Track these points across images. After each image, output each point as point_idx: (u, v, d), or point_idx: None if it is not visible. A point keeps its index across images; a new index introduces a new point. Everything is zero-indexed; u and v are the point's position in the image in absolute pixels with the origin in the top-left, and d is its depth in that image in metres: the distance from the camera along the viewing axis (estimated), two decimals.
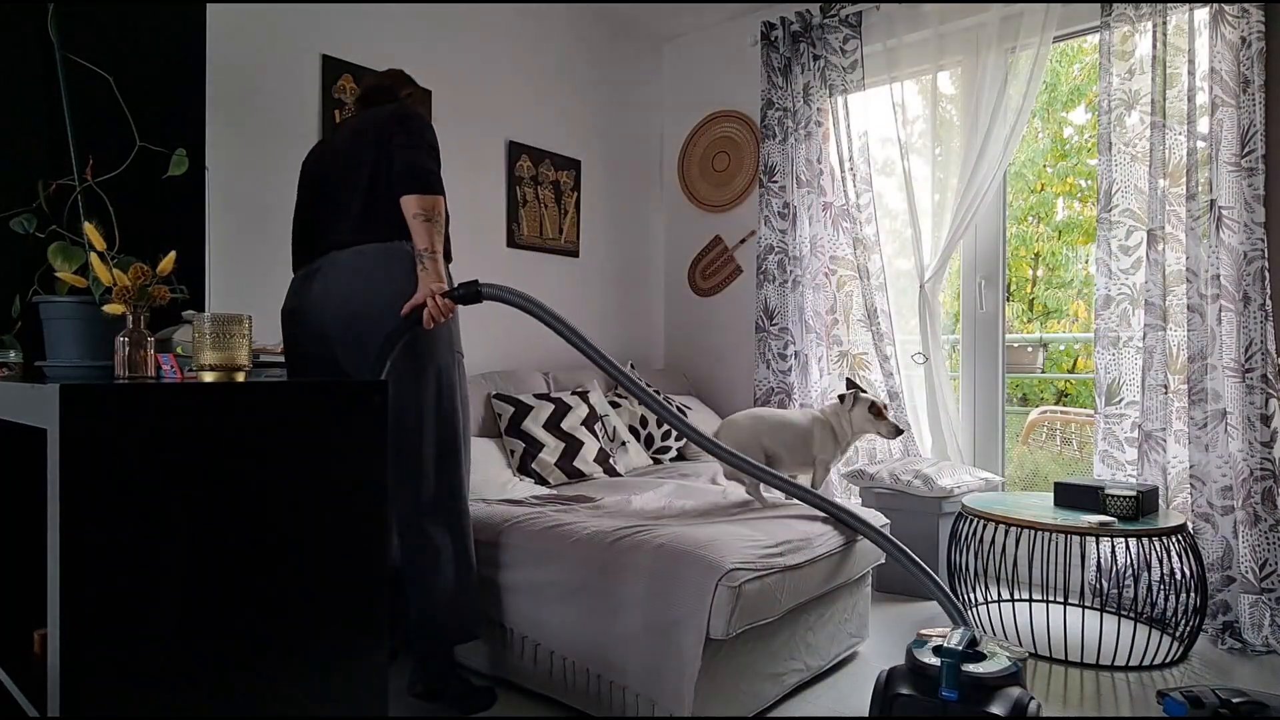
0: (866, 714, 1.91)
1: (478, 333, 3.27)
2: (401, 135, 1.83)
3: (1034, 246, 6.08)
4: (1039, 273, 6.10)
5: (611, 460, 2.98)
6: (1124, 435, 2.76)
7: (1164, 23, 2.65)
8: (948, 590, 1.91)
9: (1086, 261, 5.77)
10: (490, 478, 2.62)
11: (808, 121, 3.50)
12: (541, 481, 2.74)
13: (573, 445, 2.86)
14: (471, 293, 1.77)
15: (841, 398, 2.45)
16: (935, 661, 1.52)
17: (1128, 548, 2.64)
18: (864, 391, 2.43)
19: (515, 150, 3.45)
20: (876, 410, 2.39)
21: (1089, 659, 2.31)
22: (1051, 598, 2.82)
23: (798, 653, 2.06)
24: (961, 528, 2.55)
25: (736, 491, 2.56)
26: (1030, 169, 5.80)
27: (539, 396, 2.96)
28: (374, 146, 1.86)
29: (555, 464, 2.79)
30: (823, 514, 2.22)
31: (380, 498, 1.25)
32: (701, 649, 1.69)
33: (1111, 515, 2.31)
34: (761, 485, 2.34)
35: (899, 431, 2.40)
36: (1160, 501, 2.59)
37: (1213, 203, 2.53)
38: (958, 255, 3.32)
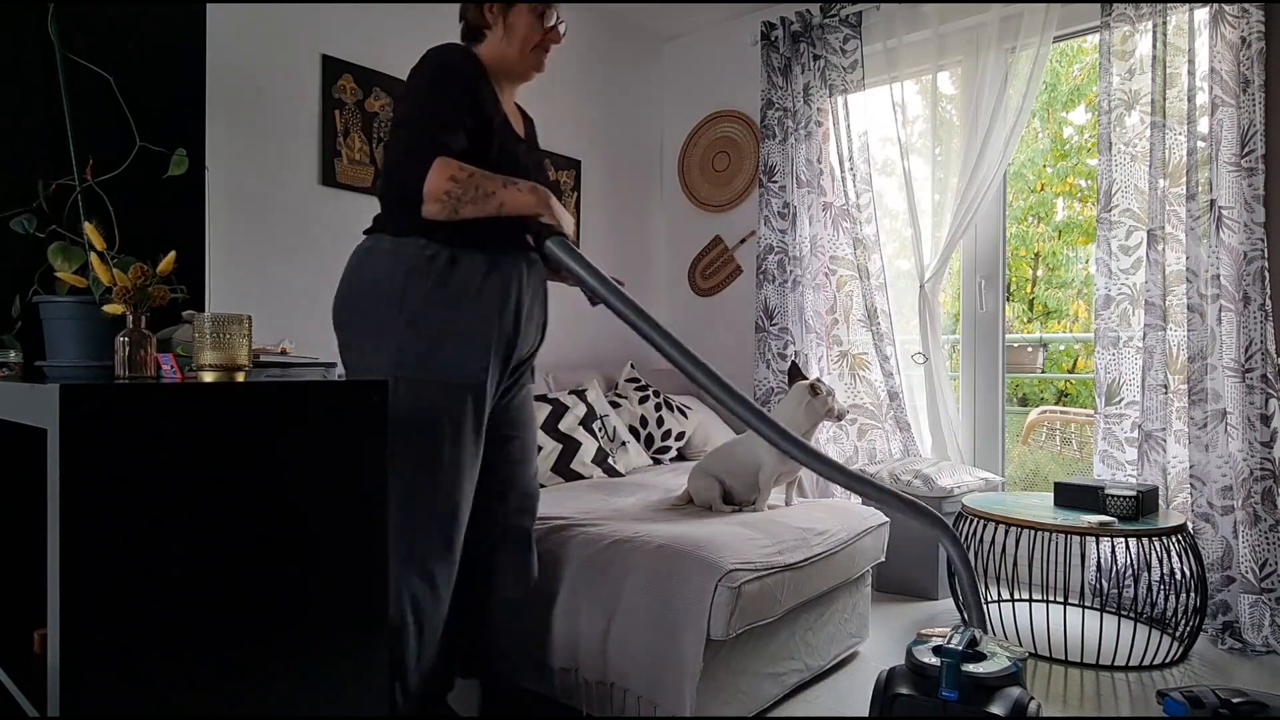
0: (866, 714, 1.91)
1: None
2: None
3: (1034, 246, 6.08)
4: (1039, 273, 6.11)
5: (611, 460, 2.98)
6: (1124, 435, 2.76)
7: (1164, 23, 2.65)
8: (977, 588, 1.77)
9: (1086, 261, 5.77)
10: None
11: (808, 121, 3.50)
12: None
13: (570, 446, 2.86)
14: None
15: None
16: (935, 661, 1.52)
17: (1128, 548, 2.64)
18: (805, 378, 2.31)
19: None
20: (817, 392, 2.26)
21: (1089, 659, 2.31)
22: (1051, 598, 2.82)
23: (798, 653, 2.06)
24: (961, 528, 2.55)
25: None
26: (1030, 169, 5.81)
27: (536, 398, 2.96)
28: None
29: (551, 469, 2.78)
30: (823, 512, 2.22)
31: (381, 497, 1.25)
32: (702, 649, 1.69)
33: (1111, 515, 2.31)
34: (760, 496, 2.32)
35: (842, 415, 2.26)
36: (1160, 501, 2.59)
37: (1213, 203, 2.53)
38: (958, 255, 3.32)
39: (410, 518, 1.58)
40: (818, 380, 2.29)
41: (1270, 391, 2.44)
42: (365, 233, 1.67)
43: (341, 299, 1.65)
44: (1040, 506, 2.46)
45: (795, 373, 2.37)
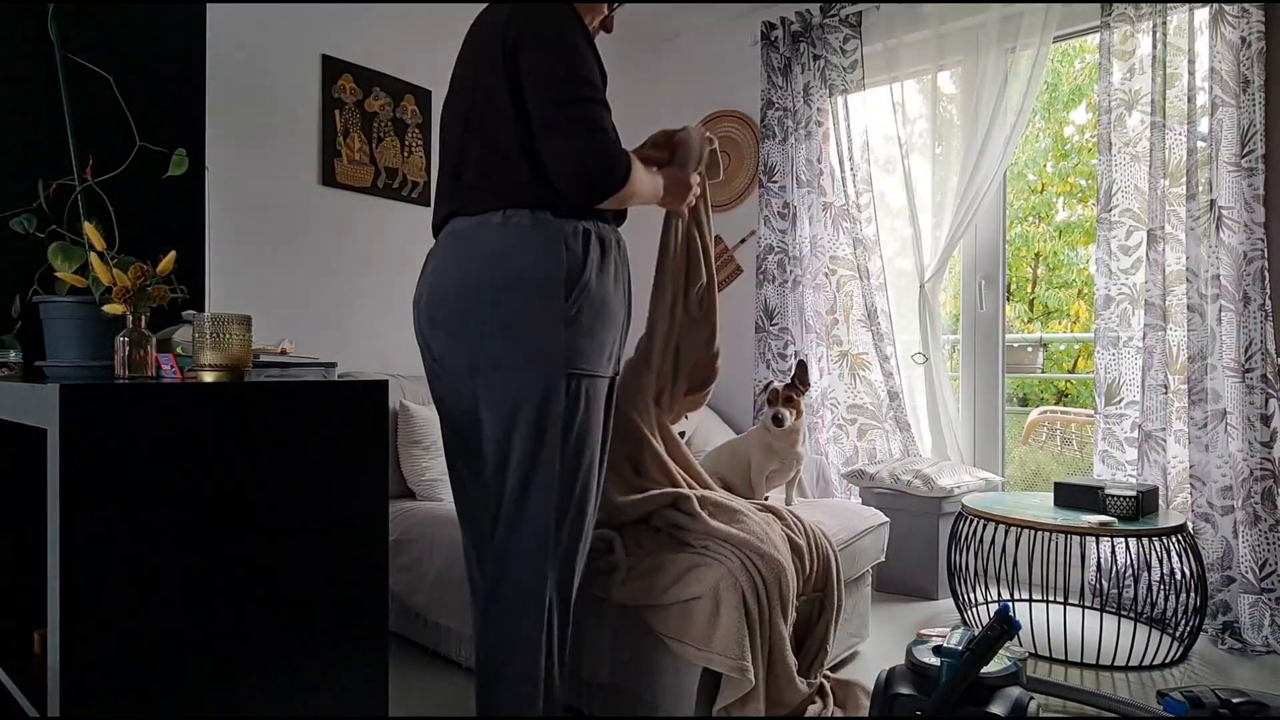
0: (866, 714, 1.91)
1: None
2: (533, 57, 1.41)
3: (1034, 246, 6.07)
4: (1039, 273, 6.10)
5: None
6: (1124, 435, 2.76)
7: (1164, 23, 2.65)
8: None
9: (1087, 262, 5.77)
10: None
11: (808, 121, 3.49)
12: None
13: None
14: None
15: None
16: (935, 661, 1.52)
17: (1128, 548, 2.64)
18: (807, 385, 2.30)
19: None
20: (770, 397, 2.27)
21: (1089, 659, 2.31)
22: (1051, 598, 2.82)
23: None
24: (961, 528, 2.55)
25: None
26: (1031, 169, 5.80)
27: None
28: (497, 72, 1.45)
29: None
30: (823, 513, 2.22)
31: (381, 498, 1.25)
32: None
33: (1111, 515, 2.31)
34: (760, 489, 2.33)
35: (777, 421, 2.23)
36: (1160, 501, 2.59)
37: (1213, 203, 2.53)
38: (958, 255, 3.32)
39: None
40: (779, 411, 2.25)
41: (1270, 391, 2.44)
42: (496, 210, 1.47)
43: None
44: (1040, 507, 2.46)
45: (802, 370, 2.32)
